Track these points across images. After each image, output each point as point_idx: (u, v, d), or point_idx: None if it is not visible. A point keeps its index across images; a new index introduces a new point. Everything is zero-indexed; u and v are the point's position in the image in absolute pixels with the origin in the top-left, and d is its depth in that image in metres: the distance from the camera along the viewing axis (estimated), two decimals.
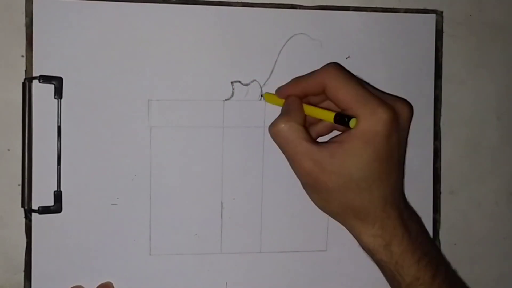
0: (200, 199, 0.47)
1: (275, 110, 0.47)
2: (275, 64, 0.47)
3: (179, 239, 0.47)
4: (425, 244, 0.44)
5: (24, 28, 0.45)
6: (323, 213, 0.48)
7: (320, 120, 0.45)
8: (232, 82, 0.47)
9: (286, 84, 0.45)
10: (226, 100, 0.47)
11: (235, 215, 0.48)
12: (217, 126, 0.47)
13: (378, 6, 0.48)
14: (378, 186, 0.42)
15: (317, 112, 0.43)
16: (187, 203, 0.47)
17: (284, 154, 0.43)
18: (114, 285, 0.46)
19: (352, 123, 0.40)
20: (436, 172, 0.50)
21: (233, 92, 0.47)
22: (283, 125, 0.41)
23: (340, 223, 0.45)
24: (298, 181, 0.48)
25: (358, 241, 0.44)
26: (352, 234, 0.44)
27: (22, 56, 0.45)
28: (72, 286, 0.46)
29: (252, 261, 0.48)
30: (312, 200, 0.45)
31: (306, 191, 0.45)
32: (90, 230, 0.46)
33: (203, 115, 0.47)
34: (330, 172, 0.41)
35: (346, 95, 0.41)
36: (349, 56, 0.48)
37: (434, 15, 0.49)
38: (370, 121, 0.40)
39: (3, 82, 0.45)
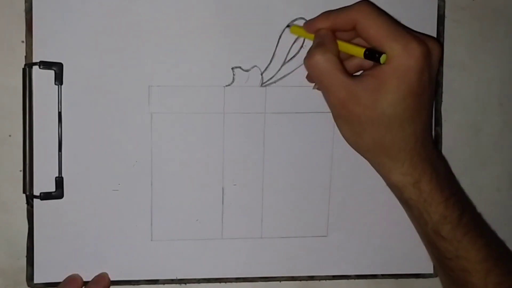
0: (201, 185, 0.47)
1: (277, 96, 0.47)
2: (275, 49, 0.47)
3: (180, 224, 0.48)
4: (453, 184, 0.45)
5: (23, 14, 0.45)
6: (324, 198, 0.49)
7: (346, 59, 0.45)
8: (232, 68, 0.47)
9: (316, 18, 0.45)
10: (226, 86, 0.47)
11: (236, 201, 0.48)
12: (217, 112, 0.47)
13: None
14: (410, 123, 0.42)
15: (347, 47, 0.43)
16: (188, 189, 0.47)
17: (319, 85, 0.43)
18: (115, 271, 0.47)
19: (382, 59, 0.40)
20: None
21: (233, 78, 0.47)
22: (319, 56, 0.41)
23: (369, 160, 0.45)
24: (299, 167, 0.48)
25: (386, 179, 0.44)
26: (380, 173, 0.45)
27: (22, 41, 0.45)
28: (69, 275, 0.46)
29: (253, 247, 0.49)
30: (343, 134, 0.44)
31: (338, 125, 0.44)
32: (91, 216, 0.46)
33: (204, 101, 0.47)
34: (364, 105, 0.41)
35: (378, 31, 0.41)
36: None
37: (436, 0, 0.49)
38: (403, 56, 0.40)
39: (3, 68, 0.45)
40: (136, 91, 0.46)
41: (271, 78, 0.47)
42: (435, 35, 0.49)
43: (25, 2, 0.44)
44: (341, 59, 0.43)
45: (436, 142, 0.50)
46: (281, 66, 0.47)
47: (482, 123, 0.51)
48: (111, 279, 0.47)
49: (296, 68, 0.47)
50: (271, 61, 0.47)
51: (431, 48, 0.41)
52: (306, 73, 0.46)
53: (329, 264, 0.50)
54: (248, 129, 0.47)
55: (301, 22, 0.47)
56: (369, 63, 0.42)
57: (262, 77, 0.47)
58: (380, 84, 0.41)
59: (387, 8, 0.47)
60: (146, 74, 0.46)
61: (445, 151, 0.50)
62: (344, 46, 0.43)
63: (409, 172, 0.43)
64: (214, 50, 0.46)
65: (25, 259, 0.46)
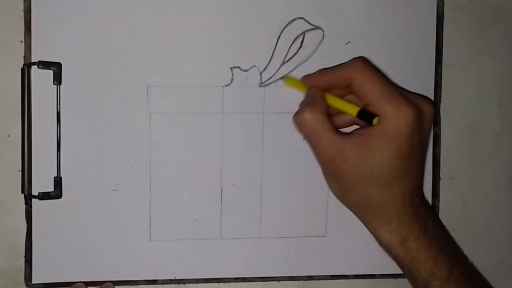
0: (200, 185, 0.47)
1: (276, 96, 0.47)
2: (274, 49, 0.47)
3: (179, 224, 0.48)
4: (442, 239, 0.45)
5: (22, 13, 0.45)
6: (323, 198, 0.49)
7: (340, 113, 0.45)
8: (231, 68, 0.47)
9: (312, 74, 0.45)
10: (225, 86, 0.47)
11: (235, 201, 0.48)
12: (216, 112, 0.47)
13: None
14: (398, 183, 0.42)
15: (342, 104, 0.43)
16: (187, 189, 0.47)
17: (308, 142, 0.43)
18: (113, 271, 0.47)
19: (374, 121, 0.41)
20: (435, 158, 0.50)
21: (232, 78, 0.47)
22: (307, 114, 0.42)
23: (357, 216, 0.45)
24: (298, 167, 0.48)
25: (374, 236, 0.45)
26: (368, 229, 0.45)
27: (21, 41, 0.45)
28: (74, 284, 0.46)
29: (252, 247, 0.49)
30: (332, 190, 0.45)
31: (326, 180, 0.45)
32: (90, 216, 0.46)
33: (203, 101, 0.47)
34: (352, 163, 0.41)
35: (371, 90, 0.41)
36: (349, 42, 0.48)
37: (435, 0, 0.49)
38: (394, 118, 0.40)
39: (2, 67, 0.45)
40: (134, 91, 0.46)
41: (270, 78, 0.47)
42: (434, 35, 0.49)
43: (24, 2, 0.44)
44: (334, 113, 0.43)
45: (434, 142, 0.50)
46: (280, 66, 0.47)
47: (481, 123, 0.51)
48: (111, 279, 0.47)
49: (295, 68, 0.47)
50: (270, 61, 0.47)
51: (423, 110, 0.41)
52: (305, 73, 0.46)
53: (328, 264, 0.50)
54: (246, 129, 0.47)
55: (300, 22, 0.47)
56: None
57: (261, 77, 0.47)
58: (369, 144, 0.41)
59: (387, 8, 0.47)
60: (145, 74, 0.46)
61: (444, 151, 0.50)
62: (338, 103, 0.43)
63: (396, 231, 0.43)
64: (212, 50, 0.46)
65: (23, 259, 0.46)
